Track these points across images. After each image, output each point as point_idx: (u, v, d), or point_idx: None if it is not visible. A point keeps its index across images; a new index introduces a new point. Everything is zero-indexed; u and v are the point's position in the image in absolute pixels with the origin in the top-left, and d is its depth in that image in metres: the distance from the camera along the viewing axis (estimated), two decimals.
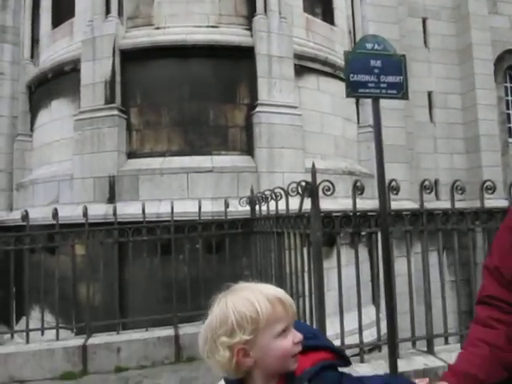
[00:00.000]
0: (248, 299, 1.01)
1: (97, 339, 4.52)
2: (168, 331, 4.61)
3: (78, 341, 4.51)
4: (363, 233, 4.26)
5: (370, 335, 3.63)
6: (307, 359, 1.06)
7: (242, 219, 5.06)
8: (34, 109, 8.56)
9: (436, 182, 3.67)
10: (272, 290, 1.05)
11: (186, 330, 4.63)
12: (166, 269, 4.88)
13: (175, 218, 4.85)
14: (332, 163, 7.29)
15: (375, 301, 3.91)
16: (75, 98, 7.29)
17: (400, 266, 3.88)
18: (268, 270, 4.34)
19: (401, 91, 3.04)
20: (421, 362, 3.45)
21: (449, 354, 3.54)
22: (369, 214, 3.56)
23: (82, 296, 4.82)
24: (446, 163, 9.60)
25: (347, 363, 1.13)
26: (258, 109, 6.82)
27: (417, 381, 1.17)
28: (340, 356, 1.12)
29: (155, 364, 4.47)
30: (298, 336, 1.03)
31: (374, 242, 3.98)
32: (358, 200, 3.47)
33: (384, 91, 3.00)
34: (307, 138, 7.09)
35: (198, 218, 4.91)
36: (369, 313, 3.66)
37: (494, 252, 1.29)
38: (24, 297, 4.68)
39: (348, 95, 3.01)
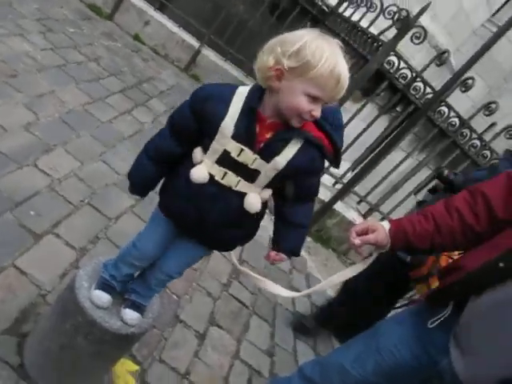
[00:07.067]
0: (324, 51, 1.05)
1: None
2: (194, 43, 4.72)
3: None
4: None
5: None
6: (314, 129, 1.17)
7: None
8: None
9: None
10: (343, 68, 1.07)
11: (208, 53, 4.77)
12: None
13: None
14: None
15: None
16: None
17: (396, 157, 4.02)
18: None
19: None
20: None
21: None
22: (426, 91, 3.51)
23: None
24: None
25: (335, 165, 1.25)
26: None
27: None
28: (335, 156, 1.22)
29: (167, 58, 4.70)
30: (317, 115, 1.11)
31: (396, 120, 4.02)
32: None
33: None
34: None
35: None
36: None
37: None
38: None
39: None
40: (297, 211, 1.31)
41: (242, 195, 1.23)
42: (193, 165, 1.22)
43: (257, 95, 1.15)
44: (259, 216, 1.31)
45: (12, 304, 1.61)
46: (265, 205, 1.29)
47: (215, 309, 2.33)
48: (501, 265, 1.14)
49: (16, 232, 1.85)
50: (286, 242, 1.33)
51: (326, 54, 1.05)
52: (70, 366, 1.45)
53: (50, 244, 1.91)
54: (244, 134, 1.15)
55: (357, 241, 1.31)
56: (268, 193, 1.26)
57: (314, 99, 1.09)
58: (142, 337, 1.53)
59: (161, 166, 1.30)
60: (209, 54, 4.79)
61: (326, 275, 3.48)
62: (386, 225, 1.33)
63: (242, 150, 1.16)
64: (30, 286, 1.72)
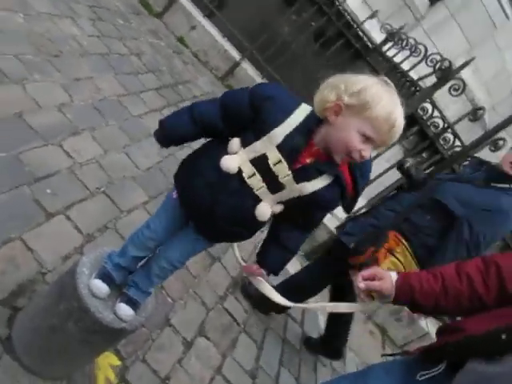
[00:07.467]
0: (383, 96, 1.11)
1: None
2: (235, 54, 4.79)
3: None
4: None
5: None
6: (346, 171, 1.22)
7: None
8: None
9: None
10: (399, 116, 1.12)
11: (246, 66, 4.83)
12: (273, 15, 4.81)
13: None
14: None
15: None
16: None
17: None
18: None
19: None
20: None
21: None
22: None
23: None
24: None
25: (348, 209, 1.32)
26: None
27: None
28: (352, 201, 1.27)
29: (207, 65, 4.78)
30: (366, 156, 1.16)
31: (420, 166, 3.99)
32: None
33: None
34: None
35: None
36: None
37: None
38: None
39: None
40: (294, 237, 1.35)
41: (257, 200, 1.25)
42: (226, 152, 1.24)
43: (316, 120, 1.19)
44: (262, 224, 1.34)
45: (11, 276, 1.63)
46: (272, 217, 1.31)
47: (207, 319, 2.32)
48: (503, 337, 1.12)
49: (29, 207, 1.87)
50: (273, 263, 1.38)
51: (384, 99, 1.11)
52: (55, 348, 1.45)
53: (59, 224, 1.93)
54: (290, 148, 1.18)
55: (361, 285, 1.32)
56: (279, 208, 1.29)
57: (366, 139, 1.14)
58: (131, 334, 1.53)
59: (196, 129, 1.30)
60: (247, 67, 4.85)
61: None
62: (393, 275, 1.34)
63: (280, 161, 1.19)
64: (33, 262, 1.73)
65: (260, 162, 1.20)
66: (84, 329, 1.37)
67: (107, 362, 1.73)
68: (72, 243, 1.93)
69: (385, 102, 1.11)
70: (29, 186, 1.93)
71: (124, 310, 1.40)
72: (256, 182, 1.22)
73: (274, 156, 1.19)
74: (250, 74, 4.83)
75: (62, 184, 2.08)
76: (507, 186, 2.14)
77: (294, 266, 3.43)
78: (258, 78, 4.84)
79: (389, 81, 1.17)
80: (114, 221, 2.20)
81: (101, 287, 1.38)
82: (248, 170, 1.22)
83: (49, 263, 1.78)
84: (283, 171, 1.20)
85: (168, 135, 1.35)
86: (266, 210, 1.26)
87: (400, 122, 1.13)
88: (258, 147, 1.20)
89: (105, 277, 1.41)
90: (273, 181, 1.21)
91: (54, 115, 2.37)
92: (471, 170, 2.38)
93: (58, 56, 2.78)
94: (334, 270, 2.52)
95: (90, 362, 1.63)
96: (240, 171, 1.22)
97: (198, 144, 1.39)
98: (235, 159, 1.22)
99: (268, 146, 1.19)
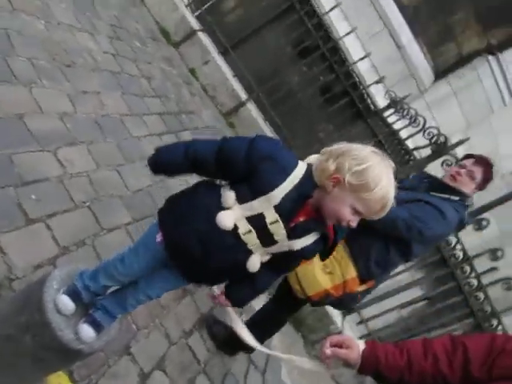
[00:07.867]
0: (382, 179, 1.15)
1: None
2: (242, 94, 4.89)
3: None
4: None
5: None
6: (331, 227, 1.30)
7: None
8: None
9: None
10: (391, 197, 1.18)
11: (251, 107, 4.92)
12: (285, 64, 4.98)
13: None
14: None
15: None
16: None
17: None
18: None
19: None
20: None
21: None
22: None
23: None
24: None
25: (324, 257, 1.40)
26: None
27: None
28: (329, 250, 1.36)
29: (213, 100, 4.87)
30: (353, 225, 1.23)
31: None
32: None
33: None
34: None
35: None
36: None
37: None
38: None
39: None
40: (267, 280, 1.38)
41: (249, 253, 1.27)
42: (219, 203, 1.23)
43: (312, 182, 1.22)
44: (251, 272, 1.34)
45: None
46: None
47: (168, 353, 2.25)
48: None
49: (11, 209, 1.85)
50: (239, 297, 1.41)
51: (383, 181, 1.15)
52: (6, 360, 1.40)
53: (37, 232, 1.90)
54: (287, 209, 1.21)
55: (328, 351, 1.31)
56: (268, 257, 1.31)
57: (356, 212, 1.19)
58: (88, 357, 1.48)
59: (187, 164, 1.30)
60: (252, 109, 4.95)
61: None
62: (361, 345, 1.33)
63: (277, 220, 1.21)
64: (3, 265, 1.69)
65: (257, 221, 1.22)
66: (41, 344, 1.32)
67: (58, 383, 1.66)
68: (46, 253, 1.89)
69: (383, 184, 1.15)
70: (15, 188, 1.91)
71: (86, 331, 1.37)
72: (251, 239, 1.24)
73: (271, 216, 1.21)
74: (254, 116, 4.93)
75: (48, 192, 2.07)
76: (447, 196, 2.32)
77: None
78: (260, 121, 4.94)
79: (386, 157, 1.21)
80: (92, 237, 2.17)
81: (67, 304, 1.35)
82: (244, 227, 1.23)
83: (19, 269, 1.74)
84: (279, 230, 1.22)
85: (160, 162, 1.36)
86: (257, 261, 1.28)
87: (390, 202, 1.19)
88: (255, 206, 1.22)
89: (73, 294, 1.38)
90: (267, 237, 1.24)
91: (55, 123, 2.38)
92: (416, 181, 2.55)
93: (71, 66, 2.82)
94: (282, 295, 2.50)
95: (41, 379, 1.56)
96: (235, 227, 1.23)
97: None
98: (231, 216, 1.23)
99: (265, 205, 1.21)
